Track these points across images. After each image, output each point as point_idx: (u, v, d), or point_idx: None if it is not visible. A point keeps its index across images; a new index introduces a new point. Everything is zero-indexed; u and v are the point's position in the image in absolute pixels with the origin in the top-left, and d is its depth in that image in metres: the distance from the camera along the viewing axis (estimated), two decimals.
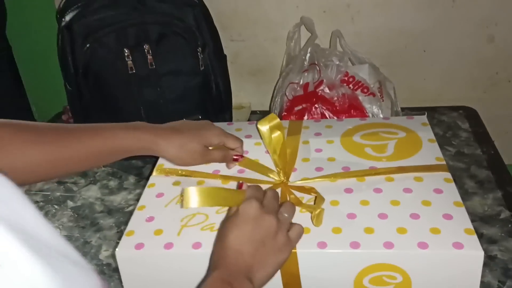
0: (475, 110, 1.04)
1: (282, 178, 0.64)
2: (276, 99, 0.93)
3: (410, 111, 1.02)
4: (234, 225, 0.48)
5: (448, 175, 0.62)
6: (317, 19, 1.01)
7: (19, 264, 0.21)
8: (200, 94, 0.94)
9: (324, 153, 0.70)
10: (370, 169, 0.65)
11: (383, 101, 0.88)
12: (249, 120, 1.11)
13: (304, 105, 0.87)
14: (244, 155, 0.69)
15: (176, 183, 0.66)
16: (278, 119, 0.65)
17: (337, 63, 0.88)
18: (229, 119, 1.00)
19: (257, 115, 1.12)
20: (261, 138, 0.67)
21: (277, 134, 0.65)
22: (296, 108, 0.88)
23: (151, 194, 0.65)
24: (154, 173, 0.69)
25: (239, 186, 0.55)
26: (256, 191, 0.53)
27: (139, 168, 0.95)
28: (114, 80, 0.91)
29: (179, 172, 0.68)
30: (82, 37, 0.88)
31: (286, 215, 0.51)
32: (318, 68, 0.88)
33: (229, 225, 0.49)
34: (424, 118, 0.77)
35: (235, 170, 0.68)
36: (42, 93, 1.23)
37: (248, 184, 0.55)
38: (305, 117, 0.87)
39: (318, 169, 0.66)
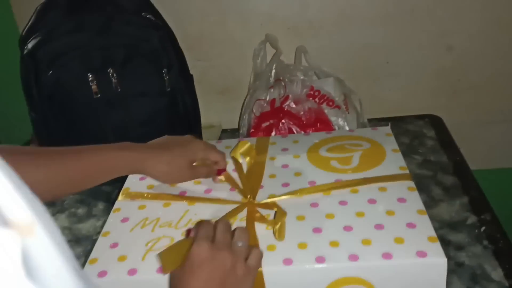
0: (440, 118, 1.06)
1: (248, 197, 0.64)
2: (244, 116, 0.94)
3: (377, 122, 1.04)
4: (189, 274, 0.45)
5: (411, 183, 0.63)
6: (281, 36, 1.03)
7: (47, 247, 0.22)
8: (168, 115, 0.94)
9: (291, 168, 0.70)
10: (336, 182, 0.65)
11: (348, 113, 0.89)
12: (219, 138, 1.11)
13: (271, 121, 0.88)
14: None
15: (141, 207, 0.66)
16: (249, 144, 0.68)
17: (302, 77, 0.89)
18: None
19: (228, 133, 1.12)
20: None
21: (247, 159, 0.70)
22: (264, 125, 0.88)
23: (116, 219, 0.64)
24: (120, 197, 0.68)
25: (187, 234, 0.54)
26: (205, 228, 0.50)
27: (108, 194, 0.93)
28: (79, 105, 0.90)
29: (145, 195, 0.68)
30: (46, 64, 0.87)
31: (240, 244, 0.48)
32: (283, 84, 0.89)
33: (184, 274, 0.46)
34: (387, 128, 0.78)
35: (201, 190, 0.68)
36: (7, 123, 1.21)
37: (197, 222, 0.53)
38: (273, 133, 0.88)
39: (285, 184, 0.66)
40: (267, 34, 1.04)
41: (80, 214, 0.88)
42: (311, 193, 0.63)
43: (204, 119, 1.03)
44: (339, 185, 0.64)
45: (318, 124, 0.86)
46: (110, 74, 0.88)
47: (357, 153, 0.72)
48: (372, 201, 0.61)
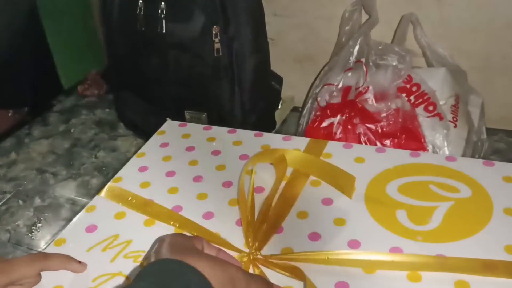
0: None
1: (251, 247, 0.43)
2: (308, 102, 0.70)
3: (508, 137, 0.73)
4: None
5: None
6: None
7: None
8: (210, 83, 0.74)
9: (334, 208, 0.47)
10: (391, 252, 0.41)
11: (456, 127, 0.61)
12: (285, 119, 0.88)
13: (338, 117, 0.63)
14: None
15: (118, 216, 0.49)
16: (282, 155, 0.48)
17: (394, 63, 0.62)
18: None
19: (297, 114, 0.89)
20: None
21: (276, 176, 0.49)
22: (327, 121, 0.64)
23: (81, 225, 0.48)
24: (102, 192, 0.52)
25: None
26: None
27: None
28: (123, 35, 0.76)
29: (129, 198, 0.51)
30: None
31: None
32: (365, 68, 0.63)
33: None
34: (509, 167, 0.49)
35: (202, 210, 0.49)
36: (68, 58, 1.12)
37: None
38: (337, 134, 0.64)
39: (313, 236, 0.44)
40: None
41: (94, 185, 0.75)
42: (343, 265, 0.41)
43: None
44: (392, 262, 0.40)
45: (403, 137, 0.59)
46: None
47: (446, 204, 0.46)
48: None
